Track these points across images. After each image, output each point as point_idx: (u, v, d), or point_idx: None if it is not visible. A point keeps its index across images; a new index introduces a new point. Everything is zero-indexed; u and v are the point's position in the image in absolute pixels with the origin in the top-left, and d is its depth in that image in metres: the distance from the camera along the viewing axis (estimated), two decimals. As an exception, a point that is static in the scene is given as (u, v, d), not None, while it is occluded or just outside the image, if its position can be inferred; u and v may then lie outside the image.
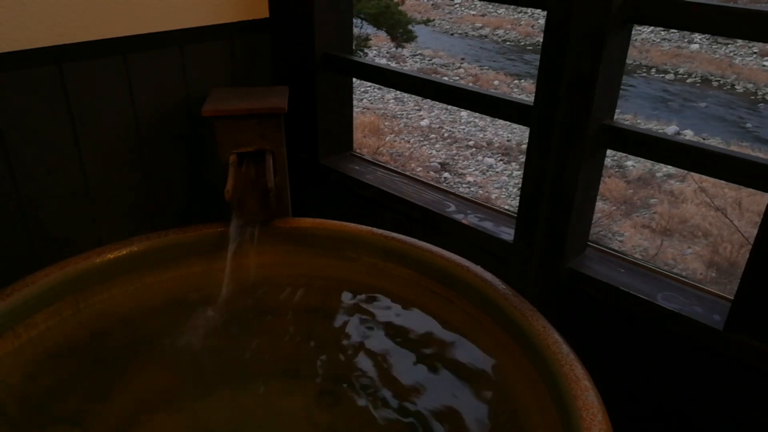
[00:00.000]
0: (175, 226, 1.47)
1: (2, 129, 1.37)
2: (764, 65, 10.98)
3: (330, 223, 1.51)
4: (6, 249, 1.46)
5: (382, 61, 10.45)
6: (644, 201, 6.51)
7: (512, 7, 14.10)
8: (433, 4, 15.14)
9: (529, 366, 1.15)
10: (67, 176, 1.51)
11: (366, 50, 10.07)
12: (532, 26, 13.36)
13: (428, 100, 7.43)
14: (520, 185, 1.41)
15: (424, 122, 8.50)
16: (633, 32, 1.28)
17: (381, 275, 1.45)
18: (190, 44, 1.61)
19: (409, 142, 7.93)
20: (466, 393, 1.24)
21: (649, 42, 12.18)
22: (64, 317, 1.30)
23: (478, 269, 1.32)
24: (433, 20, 13.67)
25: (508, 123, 7.51)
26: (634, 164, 7.19)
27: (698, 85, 10.38)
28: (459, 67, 11.03)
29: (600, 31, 1.14)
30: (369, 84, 9.11)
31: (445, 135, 8.14)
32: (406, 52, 11.43)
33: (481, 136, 8.13)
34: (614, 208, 6.38)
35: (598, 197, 1.41)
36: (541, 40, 1.24)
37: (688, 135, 8.06)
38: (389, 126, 8.32)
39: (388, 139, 7.92)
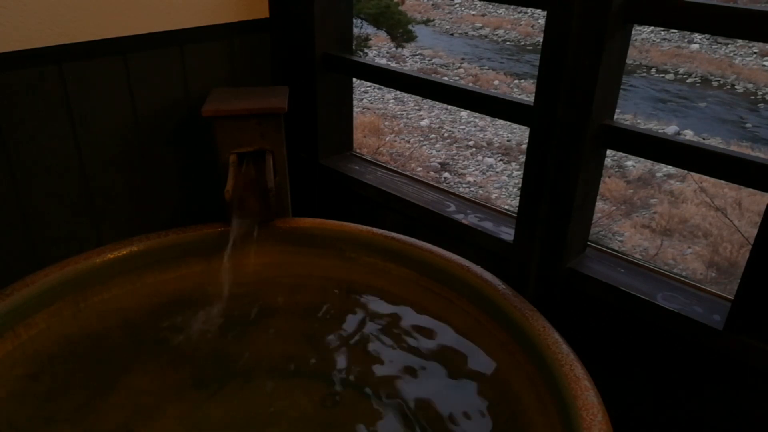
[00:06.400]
0: (175, 226, 1.47)
1: (2, 129, 1.37)
2: (764, 65, 10.97)
3: (330, 223, 1.51)
4: (6, 249, 1.46)
5: (382, 61, 10.45)
6: (644, 201, 6.51)
7: (512, 7, 14.11)
8: (433, 4, 15.13)
9: (529, 366, 1.15)
10: (67, 176, 1.51)
11: (366, 50, 10.06)
12: (532, 26, 13.36)
13: (428, 100, 7.43)
14: (520, 185, 1.41)
15: (424, 122, 8.49)
16: (633, 32, 1.28)
17: (381, 275, 1.45)
18: (190, 44, 1.61)
19: (409, 142, 7.92)
20: (466, 393, 1.24)
21: (649, 42, 12.17)
22: (64, 317, 1.30)
23: (478, 269, 1.32)
24: (433, 20, 13.66)
25: (508, 123, 7.51)
26: (634, 164, 7.19)
27: (698, 85, 10.38)
28: (459, 67, 11.03)
29: (600, 31, 1.14)
30: (369, 84, 9.10)
31: (445, 135, 8.13)
32: (406, 52, 11.42)
33: (481, 136, 8.13)
34: (614, 208, 6.38)
35: (598, 197, 1.41)
36: (541, 40, 1.24)
37: (688, 135, 8.05)
38: (389, 126, 8.32)
39: (388, 139, 7.91)
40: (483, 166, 7.34)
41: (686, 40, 12.09)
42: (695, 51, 11.65)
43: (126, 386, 1.29)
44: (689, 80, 10.55)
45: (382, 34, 10.15)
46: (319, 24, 1.72)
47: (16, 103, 1.38)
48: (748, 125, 8.64)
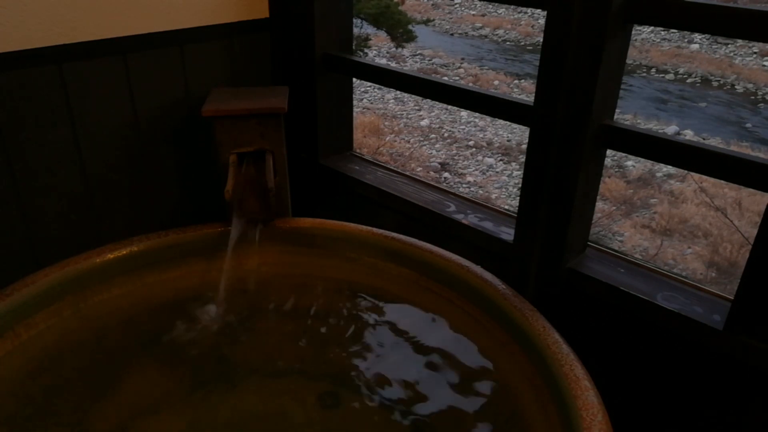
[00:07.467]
0: (175, 226, 1.47)
1: (2, 129, 1.37)
2: (764, 65, 10.98)
3: (330, 223, 1.51)
4: (6, 249, 1.46)
5: (382, 61, 10.45)
6: (644, 201, 6.51)
7: (512, 7, 14.10)
8: (433, 4, 15.14)
9: (529, 366, 1.15)
10: (67, 176, 1.51)
11: (366, 50, 10.07)
12: (532, 26, 13.36)
13: (428, 100, 7.43)
14: (520, 185, 1.41)
15: (424, 122, 8.50)
16: (633, 32, 1.28)
17: (381, 275, 1.45)
18: (190, 44, 1.61)
19: (409, 142, 7.93)
20: (466, 393, 1.24)
21: (649, 42, 12.18)
22: (64, 317, 1.30)
23: (478, 269, 1.32)
24: (433, 20, 13.67)
25: (508, 123, 7.51)
26: (634, 164, 7.19)
27: (698, 85, 10.38)
28: (459, 67, 11.03)
29: (600, 31, 1.14)
30: (369, 84, 9.10)
31: (445, 135, 8.13)
32: (406, 52, 11.42)
33: (481, 136, 8.13)
34: (614, 208, 6.38)
35: (598, 197, 1.41)
36: (541, 40, 1.24)
37: (688, 135, 8.06)
38: (389, 126, 8.32)
39: (388, 139, 7.91)
40: (483, 166, 7.34)
41: (686, 40, 12.10)
42: (695, 51, 11.66)
43: (125, 386, 1.29)
44: (689, 80, 10.55)
45: (382, 34, 10.16)
46: (319, 24, 1.72)
47: (16, 103, 1.38)
48: (748, 125, 8.64)
